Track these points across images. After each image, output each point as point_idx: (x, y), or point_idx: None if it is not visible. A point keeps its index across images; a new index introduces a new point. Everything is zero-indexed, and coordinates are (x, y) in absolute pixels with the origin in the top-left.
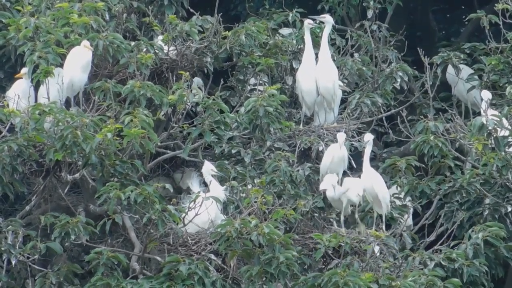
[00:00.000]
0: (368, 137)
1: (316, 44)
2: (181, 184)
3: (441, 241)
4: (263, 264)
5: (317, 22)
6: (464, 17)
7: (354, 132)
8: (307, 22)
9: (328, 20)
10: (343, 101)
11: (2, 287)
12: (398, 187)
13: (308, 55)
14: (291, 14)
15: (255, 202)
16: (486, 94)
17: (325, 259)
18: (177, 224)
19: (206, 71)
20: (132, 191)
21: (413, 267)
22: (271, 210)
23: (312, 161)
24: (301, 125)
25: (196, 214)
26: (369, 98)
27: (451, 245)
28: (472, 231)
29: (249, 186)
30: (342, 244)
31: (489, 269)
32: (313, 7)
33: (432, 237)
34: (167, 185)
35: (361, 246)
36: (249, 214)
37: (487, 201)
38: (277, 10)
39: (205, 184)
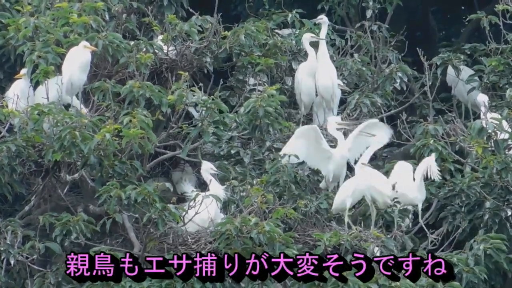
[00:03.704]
0: None
1: (315, 45)
2: (176, 187)
3: (442, 248)
4: None
5: (315, 24)
6: (464, 17)
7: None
8: (309, 36)
9: (324, 20)
10: (343, 101)
11: (2, 287)
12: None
13: (312, 59)
14: (290, 15)
15: (255, 201)
16: (483, 98)
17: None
18: (177, 223)
19: (206, 71)
20: (132, 190)
21: None
22: (271, 210)
23: None
24: (300, 125)
25: (196, 213)
26: (368, 98)
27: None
28: (474, 241)
29: (248, 187)
30: (342, 242)
31: (488, 278)
32: (313, 7)
33: (434, 235)
34: (167, 184)
35: (361, 245)
36: (249, 213)
37: (487, 204)
38: (277, 10)
39: (200, 186)
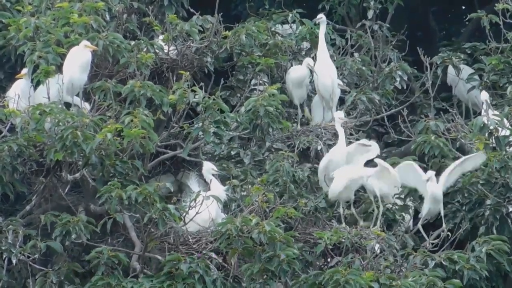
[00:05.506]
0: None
1: (314, 44)
2: (182, 186)
3: (443, 248)
4: (264, 262)
5: (315, 23)
6: (464, 17)
7: (353, 130)
8: (308, 62)
9: (323, 19)
10: (343, 101)
11: (3, 286)
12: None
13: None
14: (290, 15)
15: (256, 201)
16: (485, 95)
17: (326, 257)
18: (178, 223)
19: (206, 71)
20: (133, 190)
21: (414, 266)
22: (272, 209)
23: (311, 161)
24: (299, 125)
25: (197, 213)
26: (365, 95)
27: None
28: (476, 242)
29: (249, 186)
30: (343, 240)
31: (489, 281)
32: (314, 6)
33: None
34: (168, 184)
35: (361, 242)
36: (250, 213)
37: (488, 201)
38: (277, 10)
39: (205, 184)
